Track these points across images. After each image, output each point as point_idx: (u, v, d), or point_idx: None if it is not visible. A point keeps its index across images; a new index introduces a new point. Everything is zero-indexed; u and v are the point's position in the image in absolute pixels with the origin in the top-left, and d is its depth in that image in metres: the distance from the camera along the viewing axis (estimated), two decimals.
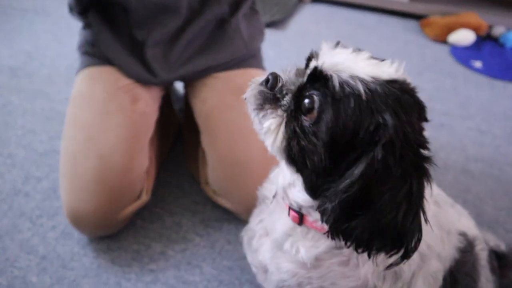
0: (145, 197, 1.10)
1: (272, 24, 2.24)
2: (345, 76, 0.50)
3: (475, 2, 2.47)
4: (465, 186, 1.31)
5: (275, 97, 0.56)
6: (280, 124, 0.55)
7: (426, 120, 0.53)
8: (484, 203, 1.25)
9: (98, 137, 1.01)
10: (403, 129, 0.48)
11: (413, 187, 0.49)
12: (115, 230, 1.09)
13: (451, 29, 2.19)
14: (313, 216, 0.61)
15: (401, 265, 0.54)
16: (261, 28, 1.21)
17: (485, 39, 2.23)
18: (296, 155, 0.54)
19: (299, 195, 0.60)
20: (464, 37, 2.14)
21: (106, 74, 1.08)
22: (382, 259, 0.55)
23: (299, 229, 0.64)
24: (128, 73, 1.07)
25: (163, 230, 1.13)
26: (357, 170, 0.49)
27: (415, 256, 0.60)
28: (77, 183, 1.00)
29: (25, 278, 1.02)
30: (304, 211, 0.62)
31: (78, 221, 1.02)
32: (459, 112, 1.65)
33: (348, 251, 0.61)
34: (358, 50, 0.54)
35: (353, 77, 0.50)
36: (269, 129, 0.56)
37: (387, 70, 0.51)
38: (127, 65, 1.06)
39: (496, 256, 0.86)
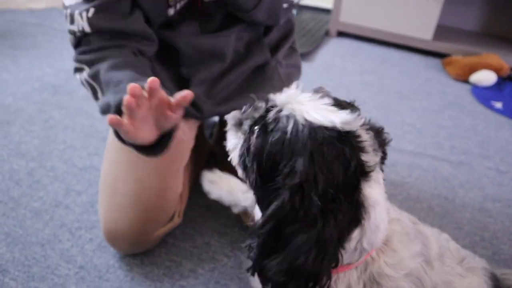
0: (177, 219, 1.18)
1: None
2: (283, 113, 0.55)
3: (497, 43, 2.54)
4: (483, 224, 1.35)
5: (241, 122, 0.65)
6: (237, 144, 0.64)
7: (363, 174, 0.54)
8: (501, 242, 1.29)
9: (138, 160, 1.09)
10: (314, 176, 0.51)
11: (324, 231, 0.51)
12: (146, 248, 1.16)
13: (472, 69, 2.25)
14: None
15: None
16: (298, 66, 1.29)
17: (506, 80, 2.29)
18: (245, 172, 0.61)
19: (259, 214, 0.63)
20: (485, 77, 2.20)
21: None
22: None
23: None
24: None
25: (193, 249, 1.20)
26: (269, 209, 0.53)
27: None
28: (115, 203, 1.08)
29: (64, 286, 1.09)
30: None
31: (113, 238, 1.10)
32: (478, 151, 1.71)
33: None
34: (324, 95, 0.58)
35: (290, 116, 0.54)
36: (230, 148, 0.65)
37: (337, 117, 0.53)
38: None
39: None
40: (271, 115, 0.57)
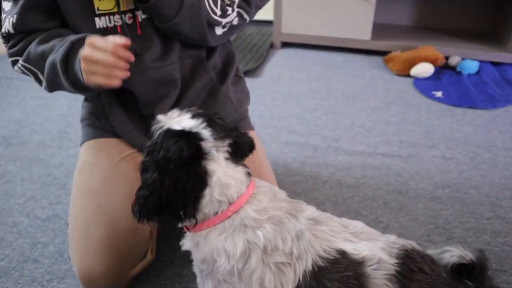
0: (150, 256, 1.20)
1: (247, 73, 2.40)
2: (159, 125, 0.84)
3: (431, 35, 2.69)
4: (435, 212, 1.45)
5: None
6: None
7: (202, 155, 0.80)
8: (453, 226, 1.39)
9: (106, 204, 1.12)
10: (158, 150, 0.79)
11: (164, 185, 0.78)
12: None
13: (411, 62, 2.38)
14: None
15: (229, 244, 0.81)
16: (247, 93, 1.35)
17: (443, 69, 2.43)
18: None
19: None
20: (424, 69, 2.34)
21: (110, 145, 1.19)
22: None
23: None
24: (134, 144, 1.19)
25: (166, 282, 1.23)
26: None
27: (258, 242, 0.80)
28: (89, 248, 1.09)
29: None
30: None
31: (90, 282, 1.11)
32: (425, 141, 1.81)
33: None
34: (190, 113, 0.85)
35: (161, 126, 0.83)
36: None
37: (187, 124, 0.82)
38: (134, 137, 1.18)
39: (467, 269, 0.85)
40: (156, 127, 0.84)
